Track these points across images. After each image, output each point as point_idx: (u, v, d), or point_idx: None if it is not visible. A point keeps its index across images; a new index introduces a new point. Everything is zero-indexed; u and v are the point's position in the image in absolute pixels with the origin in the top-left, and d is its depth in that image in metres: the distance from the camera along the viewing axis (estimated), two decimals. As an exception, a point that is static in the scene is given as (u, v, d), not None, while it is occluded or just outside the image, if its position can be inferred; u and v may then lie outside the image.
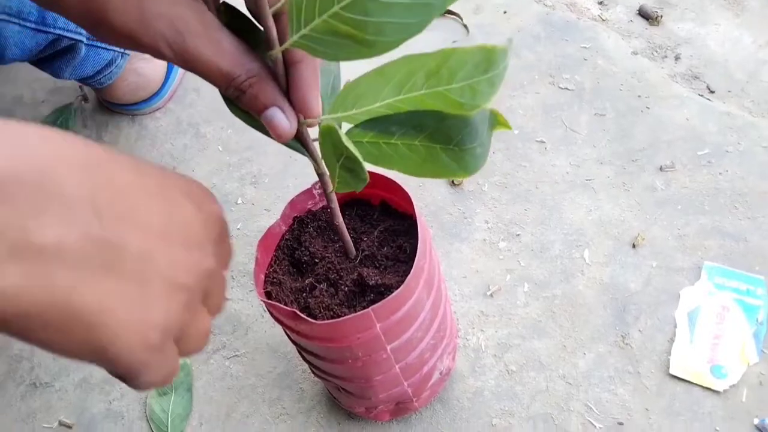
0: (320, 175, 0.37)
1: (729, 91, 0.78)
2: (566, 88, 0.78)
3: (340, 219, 0.42)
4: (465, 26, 0.85)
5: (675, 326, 0.60)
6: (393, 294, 0.41)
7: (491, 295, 0.63)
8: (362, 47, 0.27)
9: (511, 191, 0.70)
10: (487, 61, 0.29)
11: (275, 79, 0.32)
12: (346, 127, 0.33)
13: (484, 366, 0.59)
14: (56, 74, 0.70)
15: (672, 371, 0.57)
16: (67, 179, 0.25)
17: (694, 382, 0.56)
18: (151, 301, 0.27)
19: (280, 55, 0.31)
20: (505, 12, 0.87)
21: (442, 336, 0.51)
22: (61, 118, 0.81)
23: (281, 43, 0.30)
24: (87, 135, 0.80)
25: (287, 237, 0.49)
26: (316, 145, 0.35)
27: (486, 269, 0.65)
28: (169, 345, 0.28)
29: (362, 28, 0.27)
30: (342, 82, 0.36)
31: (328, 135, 0.31)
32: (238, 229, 0.70)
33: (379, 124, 0.32)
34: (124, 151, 0.79)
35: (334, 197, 0.40)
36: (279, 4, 0.29)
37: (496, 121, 0.32)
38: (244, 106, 0.33)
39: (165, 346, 0.28)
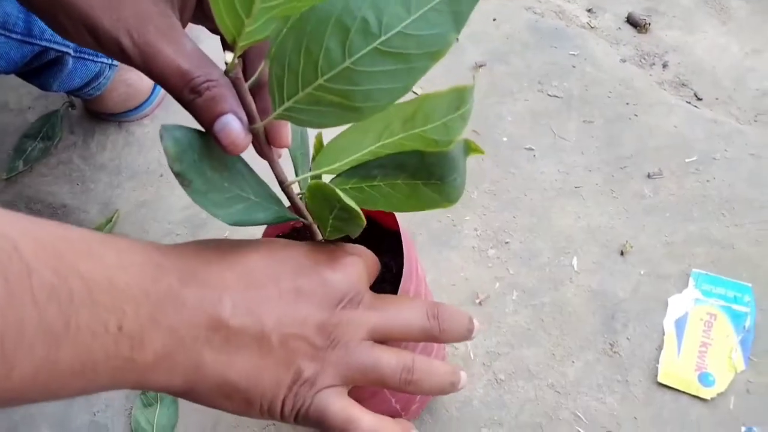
0: (307, 226, 0.37)
1: (716, 99, 0.78)
2: (555, 96, 0.78)
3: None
4: (454, 33, 0.85)
5: (663, 334, 0.60)
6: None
7: (480, 303, 0.63)
8: (349, 113, 0.28)
9: (500, 198, 0.70)
10: (459, 100, 0.31)
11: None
12: (326, 177, 0.34)
13: (472, 375, 0.59)
14: (44, 87, 0.69)
15: (660, 379, 0.57)
16: (226, 274, 0.32)
17: (682, 390, 0.56)
18: (279, 365, 0.33)
19: (262, 129, 0.31)
20: (494, 19, 0.87)
21: (429, 351, 0.50)
22: (47, 125, 0.80)
23: (263, 113, 0.31)
24: (73, 141, 0.79)
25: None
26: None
27: (475, 277, 0.65)
28: (305, 387, 0.34)
29: (349, 97, 0.28)
30: (310, 134, 0.38)
31: (319, 191, 0.32)
32: (227, 235, 0.70)
33: (360, 170, 0.34)
34: (112, 158, 0.79)
35: (316, 229, 0.39)
36: (254, 77, 0.29)
37: (469, 148, 0.33)
38: (197, 112, 0.32)
39: (301, 389, 0.33)
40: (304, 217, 0.36)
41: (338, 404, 0.34)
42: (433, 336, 0.37)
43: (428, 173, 0.33)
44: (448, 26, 0.27)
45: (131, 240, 0.31)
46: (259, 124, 0.30)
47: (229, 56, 0.27)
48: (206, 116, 0.31)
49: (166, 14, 0.34)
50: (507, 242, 0.67)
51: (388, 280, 0.45)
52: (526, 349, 0.60)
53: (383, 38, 0.26)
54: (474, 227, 0.68)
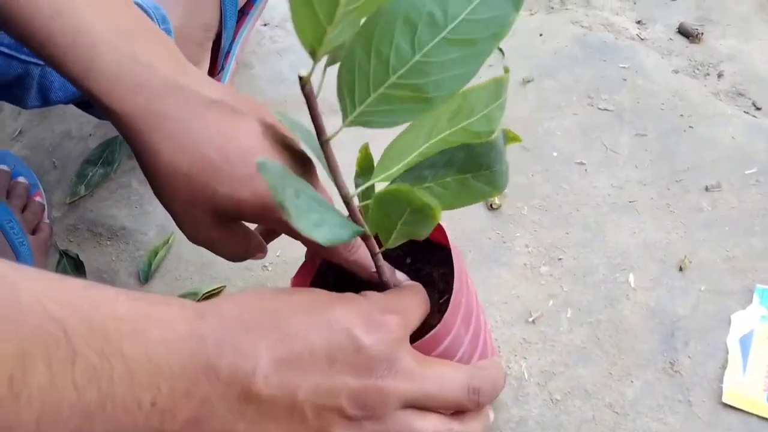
0: (365, 238, 0.37)
1: (776, 108, 0.76)
2: (605, 109, 0.77)
3: (388, 276, 0.41)
4: (500, 50, 0.85)
5: (726, 352, 0.57)
6: (430, 333, 0.40)
7: (533, 322, 0.62)
8: (421, 105, 0.30)
9: (551, 214, 0.69)
10: (498, 90, 0.32)
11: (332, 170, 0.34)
12: (378, 185, 0.35)
13: (527, 395, 0.58)
14: (100, 117, 0.71)
15: (725, 399, 0.55)
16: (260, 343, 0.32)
17: (750, 411, 0.54)
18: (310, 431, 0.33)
19: (329, 143, 0.32)
20: (540, 34, 0.86)
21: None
22: (107, 151, 0.83)
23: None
24: (132, 166, 0.82)
25: (321, 273, 0.49)
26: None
27: (527, 295, 0.64)
28: None
29: (420, 89, 0.29)
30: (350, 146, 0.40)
31: (391, 195, 0.32)
32: (278, 256, 0.71)
33: (412, 174, 0.35)
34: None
35: (381, 257, 0.39)
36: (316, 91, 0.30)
37: (508, 137, 0.35)
38: (353, 266, 0.42)
39: None
40: (364, 228, 0.36)
41: None
42: (467, 408, 0.37)
43: (477, 164, 0.34)
44: (507, 6, 0.28)
45: (179, 307, 0.33)
46: (330, 136, 0.31)
47: (304, 71, 0.28)
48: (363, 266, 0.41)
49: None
50: (560, 259, 0.66)
51: (439, 293, 0.45)
52: (582, 368, 0.59)
53: (450, 27, 0.28)
54: (525, 244, 0.67)
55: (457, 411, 0.39)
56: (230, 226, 0.45)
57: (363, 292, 0.38)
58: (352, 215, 0.36)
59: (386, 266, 0.42)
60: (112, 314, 0.30)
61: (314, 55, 0.27)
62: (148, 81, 0.41)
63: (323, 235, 0.32)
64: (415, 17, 0.28)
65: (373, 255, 0.39)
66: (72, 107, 0.74)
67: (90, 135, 0.86)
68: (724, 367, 0.57)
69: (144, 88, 0.41)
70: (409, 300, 0.38)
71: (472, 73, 0.29)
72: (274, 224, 0.44)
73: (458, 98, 0.32)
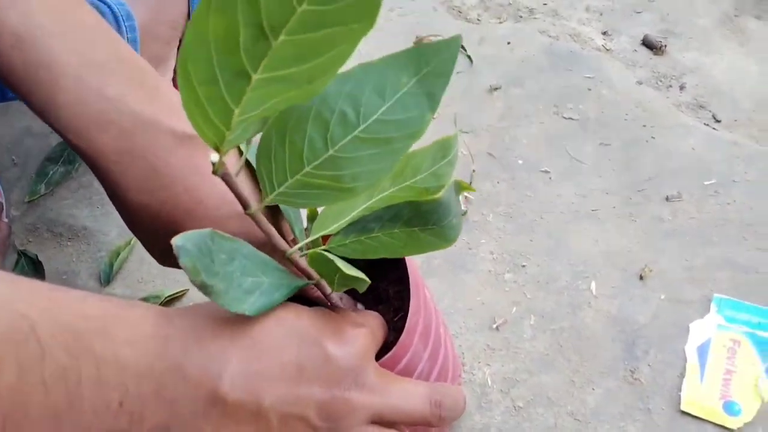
0: (316, 283, 0.37)
1: (735, 120, 0.78)
2: (570, 118, 0.78)
3: (339, 303, 0.41)
4: (469, 57, 0.86)
5: (685, 360, 0.58)
6: (388, 354, 0.39)
7: (497, 328, 0.62)
8: (340, 193, 0.30)
9: (516, 222, 0.70)
10: (444, 149, 0.32)
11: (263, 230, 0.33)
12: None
13: (490, 402, 0.58)
14: None
15: (683, 408, 0.56)
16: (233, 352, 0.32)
17: (707, 419, 0.55)
18: None
19: (258, 212, 0.31)
20: (509, 43, 0.87)
21: (443, 381, 0.49)
22: (69, 149, 0.81)
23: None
24: (93, 166, 0.80)
25: None
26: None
27: (491, 301, 0.64)
28: None
29: (338, 180, 0.29)
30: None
31: (321, 259, 0.33)
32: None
33: (357, 226, 0.35)
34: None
35: (334, 296, 0.39)
36: (238, 168, 0.30)
37: (460, 188, 0.35)
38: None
39: None
40: (310, 277, 0.36)
41: None
42: (431, 423, 0.37)
43: (424, 220, 0.34)
44: (423, 107, 0.28)
45: (148, 309, 0.33)
46: (253, 209, 0.30)
47: (215, 157, 0.27)
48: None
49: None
50: (524, 266, 0.66)
51: (396, 309, 0.45)
52: (545, 375, 0.59)
53: (362, 126, 0.28)
54: (490, 250, 0.68)
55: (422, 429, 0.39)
56: None
57: (335, 308, 0.38)
58: (296, 266, 0.35)
59: (345, 299, 0.41)
60: (80, 314, 0.30)
61: (219, 150, 0.27)
62: (116, 117, 0.38)
63: (252, 304, 0.32)
64: (327, 115, 0.28)
65: (326, 295, 0.38)
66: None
67: (51, 132, 0.83)
68: (682, 375, 0.58)
69: (111, 125, 0.38)
70: (376, 318, 0.39)
71: (389, 167, 0.29)
72: None
73: (401, 160, 0.32)
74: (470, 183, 0.73)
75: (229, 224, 0.39)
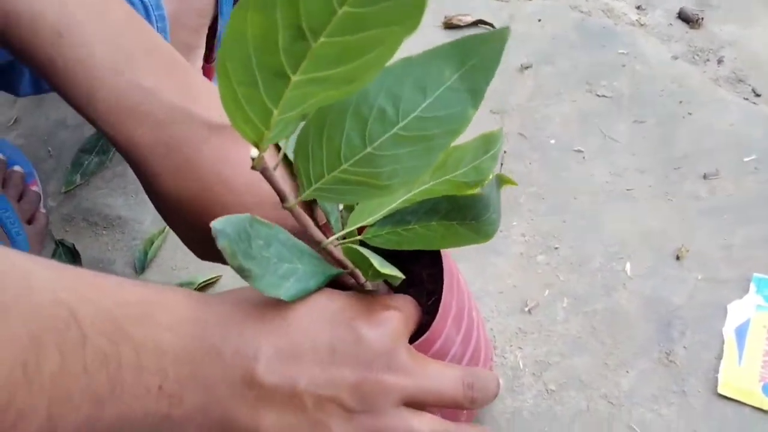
0: (350, 272, 0.37)
1: (777, 94, 0.75)
2: (604, 96, 0.76)
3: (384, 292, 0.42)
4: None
5: (722, 342, 0.57)
6: (422, 338, 0.39)
7: (529, 311, 0.62)
8: (377, 190, 0.29)
9: (548, 203, 0.69)
10: (487, 144, 0.32)
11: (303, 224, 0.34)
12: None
13: (522, 385, 0.58)
14: None
15: (720, 390, 0.55)
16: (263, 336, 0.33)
17: (745, 401, 0.54)
18: (311, 426, 0.33)
19: (295, 206, 0.31)
20: (539, 20, 0.85)
21: (475, 363, 0.49)
22: (103, 139, 0.83)
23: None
24: (126, 155, 0.82)
25: None
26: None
27: (523, 284, 0.64)
28: None
29: (374, 177, 0.29)
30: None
31: (355, 253, 0.33)
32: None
33: (394, 218, 0.35)
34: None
35: (368, 285, 0.39)
36: (276, 163, 0.30)
37: (501, 182, 0.34)
38: None
39: None
40: (345, 267, 0.36)
41: None
42: (464, 406, 0.37)
43: (462, 215, 0.33)
44: (465, 103, 0.27)
45: (185, 293, 0.33)
46: (292, 203, 0.31)
47: (255, 152, 0.27)
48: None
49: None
50: (556, 248, 0.65)
51: (428, 293, 0.45)
52: (578, 358, 0.58)
53: (402, 124, 0.27)
54: (521, 232, 0.67)
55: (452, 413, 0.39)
56: None
57: (366, 291, 0.38)
58: (331, 257, 0.35)
59: (380, 285, 0.41)
60: (119, 300, 0.30)
61: (258, 147, 0.27)
62: (151, 109, 0.39)
63: (287, 290, 0.32)
64: (365, 112, 0.27)
65: (361, 284, 0.38)
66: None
67: (85, 123, 0.85)
68: (719, 357, 0.56)
69: (146, 117, 0.39)
70: (409, 302, 0.39)
71: (427, 165, 0.29)
72: None
73: (443, 153, 0.32)
74: (501, 165, 0.72)
75: (263, 214, 0.40)
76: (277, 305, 0.34)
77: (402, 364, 0.35)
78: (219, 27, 0.78)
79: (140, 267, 0.72)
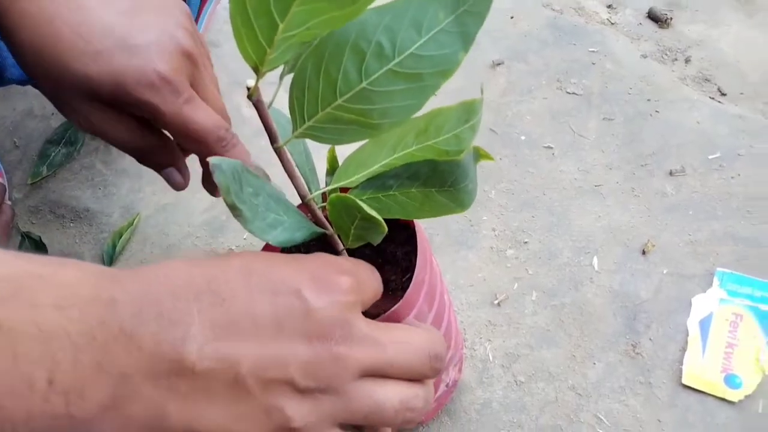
0: (329, 236, 0.37)
1: (741, 94, 0.76)
2: (574, 93, 0.77)
3: None
4: (471, 32, 0.85)
5: (687, 334, 0.58)
6: (392, 309, 0.40)
7: (498, 304, 0.62)
8: (367, 129, 0.30)
9: (518, 198, 0.69)
10: (468, 113, 0.33)
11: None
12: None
13: (491, 377, 0.58)
14: None
15: (684, 381, 0.56)
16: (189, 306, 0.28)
17: (708, 392, 0.55)
18: (259, 415, 0.28)
19: (284, 148, 0.32)
20: (512, 17, 0.86)
21: (446, 348, 0.50)
22: (70, 131, 0.81)
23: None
24: (95, 147, 0.80)
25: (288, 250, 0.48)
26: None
27: (493, 277, 0.64)
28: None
29: (366, 115, 0.29)
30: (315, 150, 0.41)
31: (341, 203, 0.33)
32: (245, 239, 0.70)
33: (375, 182, 0.35)
34: (133, 162, 0.80)
35: (345, 254, 0.39)
36: (271, 100, 0.31)
37: (479, 155, 0.35)
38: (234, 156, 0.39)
39: None
40: (325, 227, 0.36)
41: None
42: (429, 377, 0.33)
43: (441, 181, 0.34)
44: (456, 46, 0.28)
45: (84, 268, 0.28)
46: (281, 143, 0.31)
47: (251, 82, 0.28)
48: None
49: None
50: (526, 242, 0.66)
51: (402, 271, 0.45)
52: (546, 350, 0.59)
53: (397, 60, 0.28)
54: (492, 227, 0.68)
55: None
56: (108, 109, 0.42)
57: (314, 253, 0.34)
58: (312, 215, 0.36)
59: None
60: None
61: (257, 71, 0.27)
62: None
63: (275, 237, 0.32)
64: (364, 45, 0.28)
65: (338, 253, 0.39)
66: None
67: (52, 114, 0.84)
68: (684, 349, 0.58)
69: None
70: (364, 268, 0.34)
71: (418, 105, 0.29)
72: (134, 109, 0.41)
73: (426, 117, 0.33)
74: (472, 160, 0.73)
75: (114, 59, 0.39)
76: (205, 277, 0.29)
77: (359, 334, 0.30)
78: None
79: (108, 260, 0.71)
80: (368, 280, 0.34)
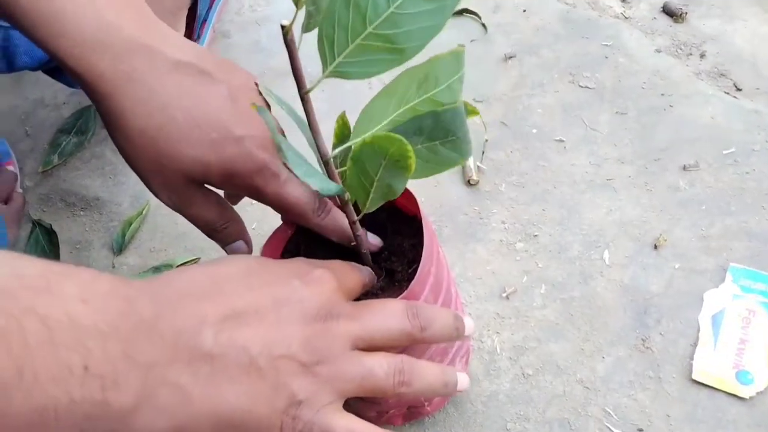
0: (345, 204, 0.39)
1: (757, 89, 0.75)
2: (586, 87, 0.76)
3: (367, 246, 0.43)
4: (483, 25, 0.84)
5: (698, 330, 0.57)
6: (397, 299, 0.39)
7: (507, 297, 0.62)
8: (394, 56, 0.32)
9: (528, 191, 0.69)
10: (456, 62, 0.35)
11: None
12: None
13: (499, 369, 0.58)
14: (71, 84, 0.70)
15: (695, 377, 0.55)
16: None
17: (718, 388, 0.54)
18: (271, 391, 0.31)
19: (309, 97, 0.33)
20: (524, 10, 0.86)
21: (447, 350, 0.49)
22: (81, 120, 0.82)
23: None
24: (106, 136, 0.81)
25: (292, 242, 0.48)
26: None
27: (502, 270, 0.64)
28: (303, 410, 0.32)
29: (393, 40, 0.31)
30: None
31: (368, 148, 0.34)
32: (253, 228, 0.70)
33: None
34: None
35: (359, 226, 0.40)
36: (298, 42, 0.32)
37: (467, 110, 0.37)
38: (323, 230, 0.43)
39: (299, 412, 0.32)
40: (343, 195, 0.38)
41: (341, 423, 0.33)
42: (415, 337, 0.37)
43: (444, 131, 0.36)
44: None
45: (98, 272, 0.30)
46: (311, 86, 0.32)
47: (286, 21, 0.30)
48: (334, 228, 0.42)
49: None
50: (536, 235, 0.65)
51: (409, 263, 0.45)
52: (555, 343, 0.59)
53: None
54: (502, 220, 0.67)
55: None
56: (200, 190, 0.44)
57: (294, 258, 0.39)
58: (330, 177, 0.37)
59: (363, 233, 0.42)
60: (17, 273, 0.26)
61: (297, 2, 0.29)
62: (113, 41, 0.40)
63: (315, 183, 0.34)
64: None
65: (352, 223, 0.40)
66: (45, 75, 0.72)
67: (64, 103, 0.84)
68: (694, 344, 0.57)
69: (109, 48, 0.40)
70: (338, 262, 0.39)
71: (439, 26, 0.31)
72: (241, 190, 0.43)
73: (424, 66, 0.35)
74: (483, 153, 0.72)
75: (226, 148, 0.40)
76: (212, 279, 0.33)
77: (345, 312, 0.35)
78: (199, 9, 0.77)
79: (118, 248, 0.71)
80: (342, 269, 0.39)
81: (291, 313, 0.33)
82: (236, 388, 0.31)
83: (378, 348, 0.36)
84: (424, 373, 0.37)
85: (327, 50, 0.32)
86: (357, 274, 0.40)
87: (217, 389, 0.30)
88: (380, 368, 0.34)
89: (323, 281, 0.36)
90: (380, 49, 0.32)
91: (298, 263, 0.38)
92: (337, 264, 0.39)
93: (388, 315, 0.36)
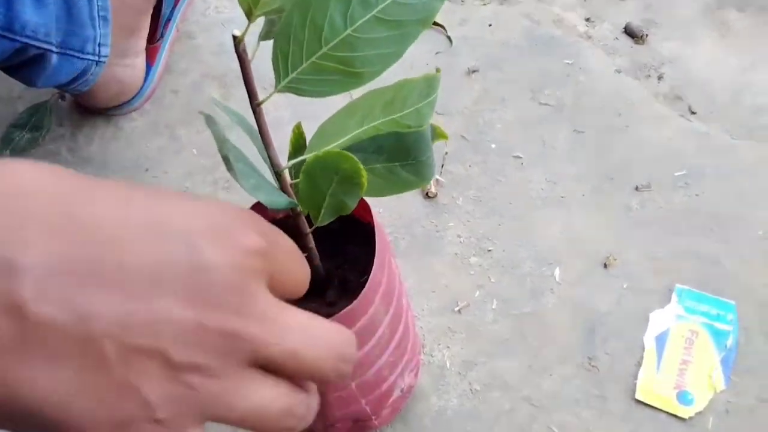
0: (296, 215, 0.38)
1: (711, 113, 0.77)
2: (546, 104, 0.77)
3: (318, 261, 0.42)
4: (449, 38, 0.85)
5: (643, 350, 0.59)
6: (346, 309, 0.39)
7: (459, 311, 0.62)
8: (351, 79, 0.31)
9: (485, 206, 0.69)
10: (429, 87, 0.34)
11: None
12: None
13: (447, 384, 0.58)
14: (28, 82, 0.68)
15: (638, 396, 0.56)
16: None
17: (660, 408, 0.55)
18: (111, 391, 0.21)
19: (261, 109, 0.32)
20: (490, 25, 0.86)
21: (402, 353, 0.49)
22: (36, 116, 0.80)
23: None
24: (62, 133, 0.79)
25: None
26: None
27: (455, 284, 0.64)
28: (165, 428, 0.21)
29: (350, 63, 0.31)
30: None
31: (319, 162, 0.33)
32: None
33: None
34: (99, 151, 0.78)
35: (311, 238, 0.39)
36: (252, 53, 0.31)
37: (435, 133, 0.37)
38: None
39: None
40: (294, 202, 0.37)
41: None
42: (328, 380, 0.25)
43: (405, 153, 0.36)
44: None
45: None
46: (262, 100, 0.32)
47: (238, 32, 0.29)
48: None
49: None
50: (490, 250, 0.66)
51: (360, 272, 0.45)
52: (504, 359, 0.59)
53: (380, 7, 0.30)
54: (457, 234, 0.67)
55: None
56: None
57: (221, 201, 0.30)
58: (283, 189, 0.36)
59: (315, 252, 0.41)
60: None
61: (250, 15, 0.28)
62: None
63: (262, 197, 0.33)
64: None
65: (304, 235, 0.39)
66: (-2, 68, 0.71)
67: (18, 97, 0.82)
68: (639, 364, 0.58)
69: None
70: (285, 238, 0.27)
71: (398, 53, 0.31)
72: None
73: (393, 89, 0.34)
74: (443, 166, 0.73)
75: None
76: (70, 197, 0.21)
77: (258, 311, 0.23)
78: (163, 7, 0.76)
79: (67, 249, 0.69)
80: (285, 250, 0.26)
81: (176, 285, 0.21)
82: (55, 371, 0.20)
83: (282, 374, 0.24)
84: (313, 412, 0.26)
85: (281, 65, 0.31)
86: (302, 266, 0.28)
87: (23, 365, 0.20)
88: (276, 409, 0.23)
89: (247, 249, 0.23)
90: (336, 71, 0.31)
91: (220, 208, 0.24)
92: (282, 235, 0.27)
93: (318, 345, 0.24)
